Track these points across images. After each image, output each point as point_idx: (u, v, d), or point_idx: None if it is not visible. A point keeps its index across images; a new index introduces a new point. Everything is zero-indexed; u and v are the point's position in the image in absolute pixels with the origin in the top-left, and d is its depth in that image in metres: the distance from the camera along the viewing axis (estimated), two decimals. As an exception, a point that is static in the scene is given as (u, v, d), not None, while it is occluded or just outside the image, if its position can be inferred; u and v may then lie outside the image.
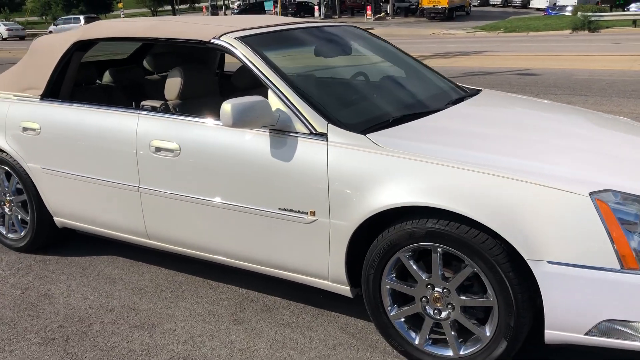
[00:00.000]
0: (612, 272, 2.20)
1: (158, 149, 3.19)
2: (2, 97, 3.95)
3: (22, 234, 4.08)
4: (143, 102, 3.39)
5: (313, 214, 2.75)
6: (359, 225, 2.64)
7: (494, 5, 62.87)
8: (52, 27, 42.68)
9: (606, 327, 2.27)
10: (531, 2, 56.65)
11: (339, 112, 2.88)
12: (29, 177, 3.86)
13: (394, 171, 2.55)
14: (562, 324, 2.33)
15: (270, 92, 2.92)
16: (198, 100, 3.69)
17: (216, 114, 3.82)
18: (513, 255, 2.37)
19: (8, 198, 4.08)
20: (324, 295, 3.37)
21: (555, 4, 50.40)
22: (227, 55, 4.25)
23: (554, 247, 2.26)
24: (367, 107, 3.03)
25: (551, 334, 2.38)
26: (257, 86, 4.04)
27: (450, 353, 2.61)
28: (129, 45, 5.22)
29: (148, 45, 5.09)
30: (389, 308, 2.72)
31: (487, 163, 2.45)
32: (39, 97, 3.76)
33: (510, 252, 2.38)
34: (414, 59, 3.93)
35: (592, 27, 25.12)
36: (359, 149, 2.65)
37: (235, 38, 3.13)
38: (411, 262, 2.60)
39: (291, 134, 2.82)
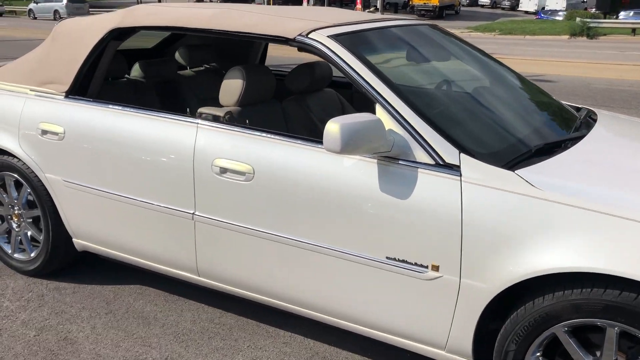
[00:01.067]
0: None
1: (224, 170, 2.55)
2: (15, 90, 3.27)
3: (32, 255, 3.40)
4: (202, 110, 2.75)
5: (436, 268, 2.15)
6: (503, 289, 2.04)
7: (482, 6, 62.66)
8: (32, 5, 41.17)
9: None
10: (520, 4, 56.55)
11: (471, 138, 2.27)
12: (46, 190, 3.19)
13: (560, 223, 1.95)
14: None
15: (378, 109, 2.31)
16: (258, 108, 3.06)
17: (281, 125, 3.21)
18: None
19: (17, 211, 3.41)
20: (411, 354, 2.77)
21: (544, 7, 50.33)
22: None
23: None
24: (497, 130, 2.43)
25: None
26: (315, 90, 3.43)
27: None
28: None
29: (177, 35, 4.42)
30: (531, 393, 2.13)
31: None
32: (64, 94, 3.09)
33: None
34: (506, 67, 3.33)
35: (591, 33, 24.81)
36: (507, 191, 2.05)
37: (328, 36, 2.51)
38: (572, 341, 2.01)
39: (409, 164, 2.21)
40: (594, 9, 44.04)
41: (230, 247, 2.64)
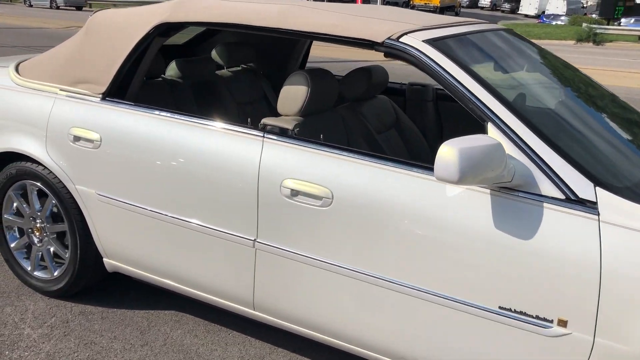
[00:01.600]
0: None
1: (295, 193, 2.20)
2: (42, 89, 2.89)
3: (55, 273, 3.03)
4: (266, 120, 2.39)
5: (564, 324, 1.80)
6: (652, 353, 1.70)
7: (482, 8, 62.41)
8: (29, -7, 40.42)
9: None
10: (520, 8, 56.37)
11: (603, 168, 1.92)
12: (75, 203, 2.82)
13: None
14: None
15: (491, 129, 1.96)
16: (319, 117, 2.70)
17: (343, 137, 2.86)
18: None
19: (39, 224, 3.03)
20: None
21: (544, 12, 50.18)
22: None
23: None
24: (626, 158, 2.08)
25: None
26: (368, 97, 3.09)
27: None
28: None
29: (213, 32, 4.05)
30: None
31: None
32: (100, 95, 2.72)
33: None
34: (591, 80, 2.98)
35: (597, 39, 24.56)
36: (661, 237, 1.70)
37: (423, 41, 2.15)
38: None
39: (532, 197, 1.86)
40: (593, 15, 44.01)
41: (297, 280, 2.28)
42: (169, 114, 2.53)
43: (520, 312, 1.86)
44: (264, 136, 2.31)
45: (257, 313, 2.49)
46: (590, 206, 1.79)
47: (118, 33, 2.72)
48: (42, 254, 3.08)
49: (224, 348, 2.73)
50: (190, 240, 2.51)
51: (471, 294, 1.93)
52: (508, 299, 1.87)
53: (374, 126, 3.10)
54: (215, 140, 2.39)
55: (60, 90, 2.83)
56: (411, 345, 2.11)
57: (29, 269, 3.11)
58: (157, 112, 2.56)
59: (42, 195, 3.00)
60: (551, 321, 1.82)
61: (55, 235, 3.00)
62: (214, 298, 2.59)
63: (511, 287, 1.86)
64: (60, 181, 2.82)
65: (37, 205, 3.01)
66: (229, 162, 2.34)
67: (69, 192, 2.82)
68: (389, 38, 2.17)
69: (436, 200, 1.96)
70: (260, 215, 2.29)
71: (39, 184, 2.92)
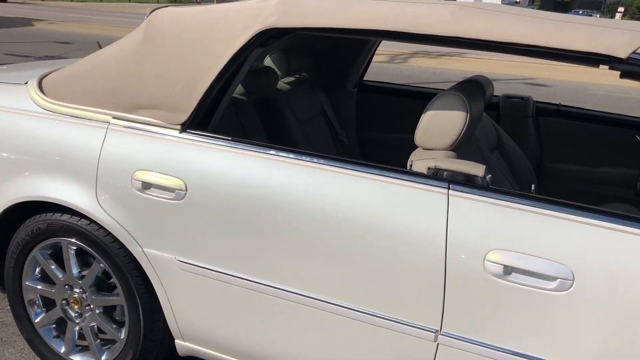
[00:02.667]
0: None
1: (508, 270, 1.56)
2: (85, 116, 2.14)
3: (103, 358, 2.28)
4: (440, 164, 1.75)
5: None
6: None
7: (418, 2, 62.89)
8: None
9: None
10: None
11: None
12: (138, 270, 2.09)
13: None
14: None
15: None
16: (464, 150, 2.08)
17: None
18: None
19: (77, 294, 2.27)
20: None
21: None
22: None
23: None
24: None
25: None
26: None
27: None
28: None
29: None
30: None
31: None
32: (179, 127, 2.00)
33: None
34: None
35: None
36: None
37: (688, 58, 1.56)
38: None
39: None
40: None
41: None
42: (293, 156, 1.84)
43: None
44: (449, 188, 1.66)
45: (419, 421, 1.84)
46: None
47: (201, 41, 2.00)
48: (78, 332, 2.33)
49: None
50: (328, 325, 1.84)
51: None
52: None
53: (486, 151, 2.52)
54: (369, 193, 1.73)
55: (114, 118, 2.09)
56: None
57: (63, 350, 2.35)
58: (272, 151, 1.87)
59: (79, 253, 2.26)
60: None
61: (102, 309, 2.26)
62: (351, 399, 1.92)
63: None
64: (116, 240, 2.09)
65: (76, 270, 2.25)
66: (394, 225, 1.68)
67: (128, 255, 2.09)
68: (635, 52, 1.57)
69: None
70: (449, 299, 1.64)
71: (75, 239, 2.17)
